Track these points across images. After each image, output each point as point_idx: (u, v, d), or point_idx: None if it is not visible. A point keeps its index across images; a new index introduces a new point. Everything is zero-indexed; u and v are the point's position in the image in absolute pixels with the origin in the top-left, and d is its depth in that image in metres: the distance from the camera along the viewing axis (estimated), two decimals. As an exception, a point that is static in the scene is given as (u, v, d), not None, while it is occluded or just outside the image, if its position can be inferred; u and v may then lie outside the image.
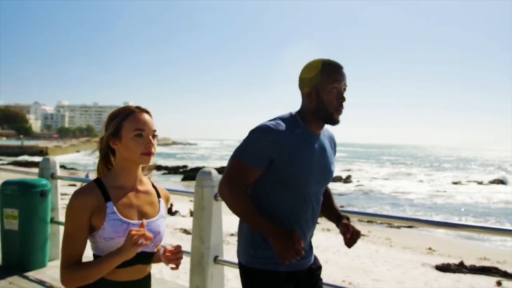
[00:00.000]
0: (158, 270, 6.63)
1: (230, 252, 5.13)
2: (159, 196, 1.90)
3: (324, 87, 2.02)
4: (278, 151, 1.97)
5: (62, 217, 5.26)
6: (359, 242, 14.72)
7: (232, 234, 12.25)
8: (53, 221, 5.13)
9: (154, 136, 1.78)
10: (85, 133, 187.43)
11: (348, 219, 2.21)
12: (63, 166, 49.73)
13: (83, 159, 67.64)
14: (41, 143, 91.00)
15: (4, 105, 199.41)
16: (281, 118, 2.07)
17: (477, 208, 27.91)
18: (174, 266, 1.83)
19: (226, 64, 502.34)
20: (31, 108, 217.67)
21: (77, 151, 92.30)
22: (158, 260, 1.90)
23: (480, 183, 45.31)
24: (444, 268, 10.55)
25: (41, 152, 71.83)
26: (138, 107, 1.81)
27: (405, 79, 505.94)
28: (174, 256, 1.83)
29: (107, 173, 1.82)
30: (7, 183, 4.86)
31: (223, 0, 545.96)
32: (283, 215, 2.04)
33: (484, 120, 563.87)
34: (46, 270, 4.87)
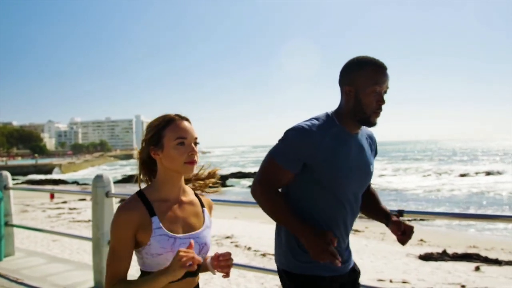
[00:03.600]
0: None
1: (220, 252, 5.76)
2: (202, 205, 1.85)
3: (364, 88, 1.94)
4: (313, 153, 1.92)
5: (16, 221, 6.16)
6: (351, 237, 15.37)
7: (227, 237, 12.78)
8: (7, 224, 6.07)
9: (196, 143, 1.73)
10: (99, 148, 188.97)
11: (397, 215, 2.18)
12: (75, 182, 50.69)
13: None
14: (55, 161, 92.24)
15: (19, 125, 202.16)
16: (316, 119, 2.02)
17: (481, 199, 28.12)
18: (225, 274, 1.80)
19: (234, 70, 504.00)
20: (45, 127, 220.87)
21: (92, 166, 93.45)
22: (205, 270, 1.86)
23: (489, 173, 45.19)
24: (426, 257, 10.90)
25: (55, 169, 73.04)
26: (178, 115, 1.76)
27: (413, 74, 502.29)
28: (225, 263, 1.78)
29: (150, 185, 1.78)
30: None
31: (224, 12, 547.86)
32: (321, 218, 2.00)
33: (483, 111, 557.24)
34: (1, 264, 5.77)
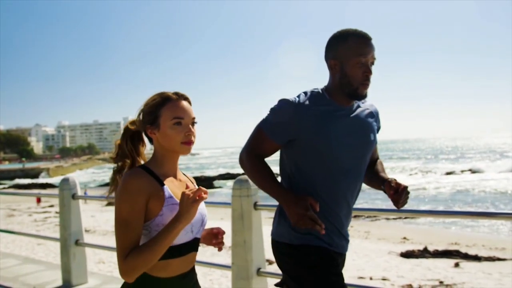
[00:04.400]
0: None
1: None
2: (192, 182, 1.87)
3: (348, 60, 1.92)
4: (299, 125, 1.91)
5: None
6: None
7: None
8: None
9: (193, 123, 1.69)
10: (87, 151, 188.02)
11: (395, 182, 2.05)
12: (63, 186, 50.33)
13: (85, 177, 68.37)
14: (42, 165, 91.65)
15: (6, 129, 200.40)
16: (305, 93, 2.00)
17: (466, 196, 28.47)
18: (219, 248, 1.87)
19: (223, 72, 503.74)
20: (32, 131, 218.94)
21: (80, 169, 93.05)
22: (204, 242, 1.89)
23: (474, 172, 45.69)
24: (408, 254, 11.09)
25: (43, 173, 72.64)
26: (176, 93, 1.71)
27: (406, 71, 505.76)
28: (222, 239, 1.86)
29: (149, 161, 1.73)
30: None
31: (216, 12, 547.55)
32: (318, 194, 1.95)
33: (483, 109, 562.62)
34: None
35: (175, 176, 1.73)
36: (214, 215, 17.71)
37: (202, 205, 1.75)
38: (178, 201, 1.60)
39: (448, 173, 45.33)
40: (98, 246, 6.11)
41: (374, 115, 2.14)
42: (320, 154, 1.93)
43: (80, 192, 4.97)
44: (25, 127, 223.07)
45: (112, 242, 11.19)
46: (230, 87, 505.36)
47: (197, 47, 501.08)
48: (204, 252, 9.49)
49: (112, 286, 4.91)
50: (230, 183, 42.53)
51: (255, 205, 3.46)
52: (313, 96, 1.98)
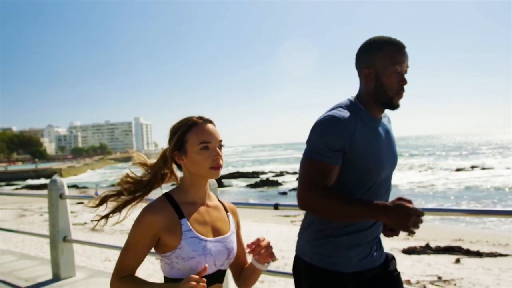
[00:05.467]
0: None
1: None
2: (226, 211, 1.81)
3: (384, 70, 1.85)
4: (350, 140, 1.81)
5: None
6: None
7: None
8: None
9: (220, 146, 1.67)
10: (99, 152, 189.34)
11: None
12: (75, 186, 50.87)
13: (96, 177, 69.00)
14: (54, 165, 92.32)
15: (19, 130, 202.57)
16: (341, 106, 1.91)
17: (475, 193, 28.33)
18: (268, 258, 1.71)
19: (232, 71, 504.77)
20: (45, 132, 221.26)
21: (92, 169, 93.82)
22: (254, 272, 1.79)
23: (484, 168, 45.36)
24: (409, 251, 11.16)
25: (55, 174, 73.33)
26: (201, 118, 1.69)
27: (419, 69, 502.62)
28: (260, 248, 1.68)
29: (176, 188, 1.73)
30: None
31: (220, 13, 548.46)
32: None
33: (495, 105, 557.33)
34: None
35: (203, 202, 1.72)
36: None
37: (231, 238, 1.73)
38: (197, 234, 1.62)
39: (458, 170, 45.07)
40: (85, 242, 6.60)
41: (390, 123, 2.11)
42: (366, 169, 1.86)
43: (67, 192, 5.20)
44: (38, 128, 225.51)
45: (111, 241, 11.38)
46: (238, 86, 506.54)
47: (205, 47, 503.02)
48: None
49: (98, 279, 5.13)
50: (238, 182, 42.83)
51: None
52: (352, 108, 1.89)
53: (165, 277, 1.68)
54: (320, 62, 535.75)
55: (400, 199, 1.79)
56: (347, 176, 1.85)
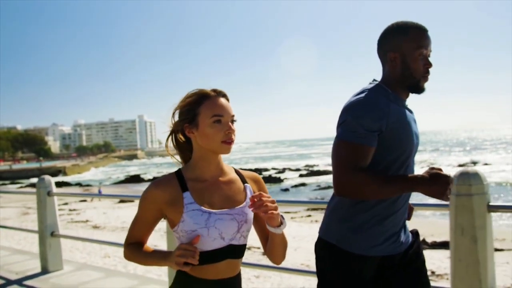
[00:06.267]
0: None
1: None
2: (244, 182, 1.72)
3: (410, 53, 1.87)
4: (386, 121, 1.81)
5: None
6: None
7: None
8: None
9: (233, 121, 1.62)
10: (103, 150, 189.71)
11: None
12: (79, 184, 51.13)
13: (100, 175, 69.24)
14: (59, 163, 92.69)
15: (23, 129, 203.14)
16: (370, 89, 1.90)
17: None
18: (272, 215, 1.53)
19: (234, 69, 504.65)
20: (49, 130, 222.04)
21: (95, 167, 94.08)
22: (273, 240, 1.65)
23: (486, 164, 45.42)
24: (405, 246, 11.21)
25: (60, 172, 73.47)
26: (214, 90, 1.64)
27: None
28: (261, 202, 1.52)
29: (187, 164, 1.68)
30: None
31: (222, 12, 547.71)
32: None
33: (489, 100, 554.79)
34: None
35: (214, 177, 1.65)
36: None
37: (245, 209, 1.64)
38: (200, 206, 1.58)
39: (460, 165, 45.00)
40: (72, 237, 6.77)
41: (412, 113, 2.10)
42: (398, 150, 1.86)
43: (55, 190, 5.44)
44: (42, 126, 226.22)
45: (112, 237, 11.47)
46: (241, 84, 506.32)
47: (208, 45, 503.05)
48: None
49: (85, 271, 5.29)
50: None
51: None
52: (383, 92, 1.89)
53: None
54: (322, 59, 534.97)
55: (433, 168, 1.77)
56: (383, 154, 1.85)
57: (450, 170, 39.06)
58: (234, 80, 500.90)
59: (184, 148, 1.71)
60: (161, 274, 6.80)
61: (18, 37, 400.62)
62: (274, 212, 1.53)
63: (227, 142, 1.59)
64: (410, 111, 2.00)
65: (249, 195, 1.67)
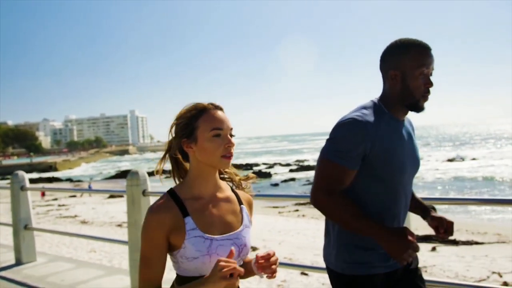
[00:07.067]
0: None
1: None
2: (240, 203, 1.67)
3: (411, 72, 1.84)
4: (371, 144, 1.80)
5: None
6: (319, 222, 15.22)
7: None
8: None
9: (231, 135, 1.58)
10: (94, 145, 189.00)
11: (434, 209, 2.05)
12: (69, 179, 51.05)
13: (91, 171, 69.06)
14: (49, 159, 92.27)
15: (14, 124, 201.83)
16: (364, 107, 1.89)
17: (463, 183, 28.68)
18: (269, 275, 1.57)
19: (227, 64, 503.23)
20: (40, 125, 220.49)
21: (86, 163, 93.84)
22: (250, 274, 1.66)
23: (474, 159, 45.92)
24: (387, 240, 11.41)
25: (50, 167, 73.24)
26: (212, 104, 1.60)
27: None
28: (267, 263, 1.57)
29: (181, 182, 1.62)
30: None
31: (216, 6, 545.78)
32: (378, 211, 1.88)
33: (491, 93, 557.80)
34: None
35: (211, 195, 1.60)
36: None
37: (243, 233, 1.62)
38: (202, 232, 1.52)
39: (449, 160, 45.48)
40: (46, 230, 7.00)
41: (412, 126, 2.08)
42: (387, 173, 1.85)
43: (28, 184, 5.62)
44: (33, 122, 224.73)
45: (100, 232, 11.52)
46: (233, 79, 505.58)
47: (201, 39, 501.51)
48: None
49: (57, 263, 5.46)
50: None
51: (144, 192, 4.22)
52: (375, 111, 1.88)
53: (177, 274, 1.59)
54: (316, 55, 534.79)
55: (405, 229, 1.76)
56: (369, 178, 1.85)
57: (439, 165, 39.54)
58: (227, 75, 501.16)
59: (181, 164, 1.65)
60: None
61: (9, 32, 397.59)
62: (275, 274, 1.56)
63: (227, 156, 1.54)
64: (409, 133, 1.98)
65: (245, 218, 1.65)
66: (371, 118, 1.82)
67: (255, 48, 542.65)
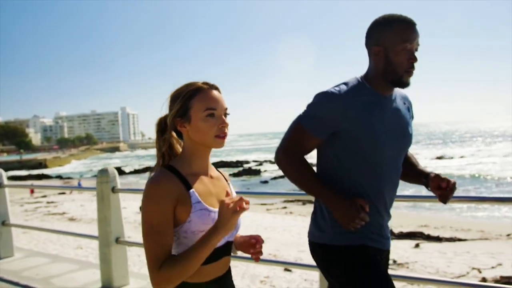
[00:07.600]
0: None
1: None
2: (226, 180, 1.71)
3: (393, 47, 1.81)
4: (343, 117, 1.81)
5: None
6: (304, 220, 15.28)
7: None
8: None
9: (226, 115, 1.56)
10: (85, 142, 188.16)
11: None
12: (59, 176, 50.79)
13: (81, 168, 68.76)
14: (39, 156, 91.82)
15: (4, 121, 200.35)
16: (345, 83, 1.89)
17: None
18: (256, 258, 1.67)
19: (218, 61, 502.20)
20: (30, 122, 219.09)
21: (77, 160, 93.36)
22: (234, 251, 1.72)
23: (462, 156, 46.36)
24: (371, 236, 11.55)
25: (40, 164, 72.76)
26: (206, 83, 1.57)
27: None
28: (260, 249, 1.66)
29: (177, 159, 1.58)
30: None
31: (209, 2, 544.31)
32: (359, 189, 1.87)
33: (475, 92, 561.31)
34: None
35: (206, 174, 1.60)
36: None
37: None
38: (207, 205, 1.51)
39: (438, 158, 45.81)
40: (24, 226, 6.73)
41: (409, 105, 2.06)
42: (364, 148, 1.84)
43: (6, 182, 5.59)
44: (23, 118, 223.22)
45: (87, 230, 11.60)
46: (223, 77, 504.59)
47: (193, 37, 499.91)
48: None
49: (34, 258, 5.51)
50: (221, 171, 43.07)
51: (113, 189, 4.25)
52: (354, 86, 1.87)
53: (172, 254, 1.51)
54: (310, 52, 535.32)
55: (357, 199, 1.80)
56: (345, 154, 1.86)
57: (428, 163, 39.90)
58: (219, 72, 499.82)
59: (174, 143, 1.63)
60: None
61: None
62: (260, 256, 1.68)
63: (221, 136, 1.53)
64: (396, 108, 1.95)
65: (233, 194, 1.69)
66: (349, 92, 1.84)
67: (247, 45, 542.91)
